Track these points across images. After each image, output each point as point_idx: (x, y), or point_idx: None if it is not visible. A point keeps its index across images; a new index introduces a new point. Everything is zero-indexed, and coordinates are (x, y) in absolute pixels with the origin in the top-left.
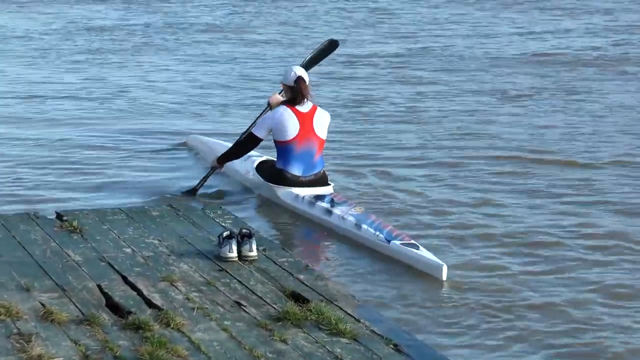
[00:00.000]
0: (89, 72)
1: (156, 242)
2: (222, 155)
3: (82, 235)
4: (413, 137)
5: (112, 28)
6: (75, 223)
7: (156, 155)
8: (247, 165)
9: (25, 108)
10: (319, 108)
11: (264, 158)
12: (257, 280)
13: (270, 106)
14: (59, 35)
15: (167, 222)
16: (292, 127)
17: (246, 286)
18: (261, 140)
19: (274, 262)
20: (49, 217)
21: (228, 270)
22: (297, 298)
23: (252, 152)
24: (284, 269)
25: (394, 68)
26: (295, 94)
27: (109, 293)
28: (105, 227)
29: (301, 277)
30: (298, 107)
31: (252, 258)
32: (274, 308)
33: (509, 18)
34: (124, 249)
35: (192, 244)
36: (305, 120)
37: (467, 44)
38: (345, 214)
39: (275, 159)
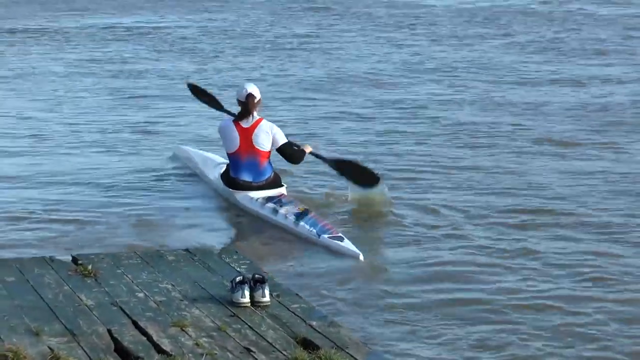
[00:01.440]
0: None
1: (169, 286)
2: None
3: (95, 279)
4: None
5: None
6: (89, 267)
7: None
8: (215, 172)
9: (44, 148)
10: (263, 122)
11: (225, 169)
12: (268, 326)
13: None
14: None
15: (182, 267)
16: (233, 140)
17: (257, 332)
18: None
19: (287, 308)
20: (64, 260)
21: (240, 316)
22: (308, 345)
23: (221, 160)
24: (296, 315)
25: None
26: (243, 109)
27: (119, 338)
28: (120, 271)
29: (313, 323)
30: (242, 123)
31: (264, 304)
32: (284, 355)
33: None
34: (136, 293)
35: (206, 288)
36: (246, 135)
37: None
38: (288, 213)
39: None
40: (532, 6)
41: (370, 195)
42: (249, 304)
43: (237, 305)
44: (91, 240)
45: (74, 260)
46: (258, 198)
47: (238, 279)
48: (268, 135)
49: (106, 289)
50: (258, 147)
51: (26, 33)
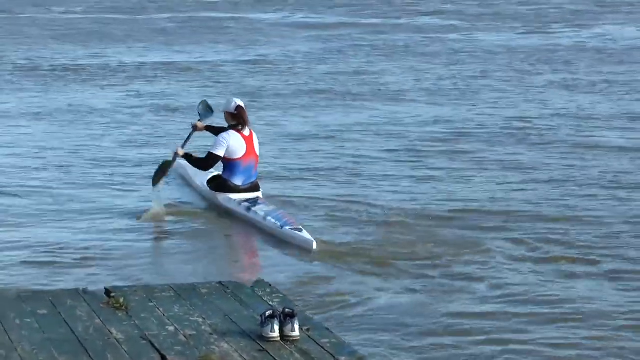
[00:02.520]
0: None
1: (200, 320)
2: (192, 157)
3: (127, 313)
4: None
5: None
6: (121, 300)
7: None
8: (202, 179)
9: (77, 180)
10: (253, 131)
11: (215, 173)
12: None
13: (195, 129)
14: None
15: (214, 300)
16: (240, 147)
17: None
18: (221, 157)
19: (316, 343)
20: (98, 293)
21: (269, 351)
22: None
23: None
24: (325, 350)
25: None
26: (238, 120)
27: None
28: (152, 304)
29: (342, 359)
30: (243, 132)
31: (294, 338)
32: None
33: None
34: (167, 326)
35: (236, 322)
36: (249, 142)
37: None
38: (259, 210)
39: (222, 172)
40: None
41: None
42: (279, 339)
43: (267, 339)
44: (127, 273)
45: (107, 292)
46: (237, 199)
47: (268, 313)
48: (258, 140)
49: (137, 322)
50: (257, 153)
51: (68, 69)
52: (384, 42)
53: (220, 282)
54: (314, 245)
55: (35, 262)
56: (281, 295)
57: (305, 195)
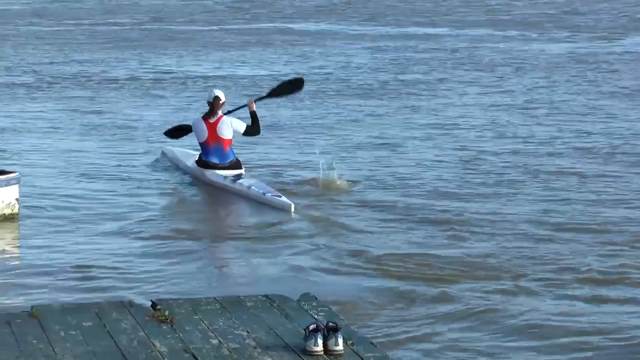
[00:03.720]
0: None
1: (244, 333)
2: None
3: (171, 325)
4: None
5: None
6: (166, 313)
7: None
8: (191, 161)
9: (125, 192)
10: (224, 117)
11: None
12: None
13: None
14: None
15: (260, 313)
16: (203, 132)
17: None
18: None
19: (361, 357)
20: (143, 305)
21: None
22: None
23: (190, 152)
24: None
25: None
26: (210, 109)
27: None
28: (197, 317)
29: None
30: (209, 119)
31: (338, 352)
32: None
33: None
34: (211, 340)
35: (281, 336)
36: (212, 128)
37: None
38: (244, 182)
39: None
40: None
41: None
42: (323, 353)
43: (310, 353)
44: (174, 285)
45: (153, 305)
46: (221, 174)
47: (312, 326)
48: (229, 127)
49: (181, 335)
50: (222, 137)
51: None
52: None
53: (266, 295)
54: (292, 208)
55: (80, 274)
56: (327, 309)
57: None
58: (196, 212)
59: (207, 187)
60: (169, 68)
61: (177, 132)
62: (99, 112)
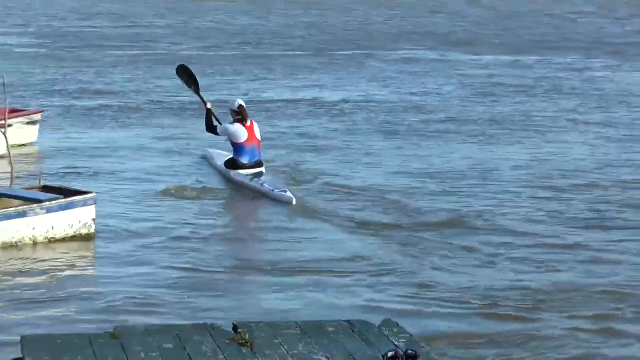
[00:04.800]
0: None
1: (324, 359)
2: (209, 115)
3: (251, 349)
4: None
5: None
6: (247, 336)
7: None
8: (220, 160)
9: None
10: (254, 122)
11: (230, 156)
12: None
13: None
14: None
15: (340, 339)
16: (243, 135)
17: None
18: (218, 135)
19: None
20: (225, 328)
21: None
22: None
23: (224, 153)
24: None
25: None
26: (241, 115)
27: None
28: (277, 341)
29: None
30: (244, 123)
31: None
32: None
33: None
34: None
35: None
36: (250, 130)
37: None
38: (259, 180)
39: (232, 154)
40: None
41: None
42: None
43: None
44: (255, 308)
45: (234, 328)
46: (244, 173)
47: (390, 353)
48: (259, 130)
49: (260, 359)
50: (258, 138)
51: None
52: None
53: (348, 321)
54: (294, 202)
55: (159, 295)
56: (408, 336)
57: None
58: (278, 241)
59: (287, 212)
60: (257, 93)
61: (189, 78)
62: (180, 138)
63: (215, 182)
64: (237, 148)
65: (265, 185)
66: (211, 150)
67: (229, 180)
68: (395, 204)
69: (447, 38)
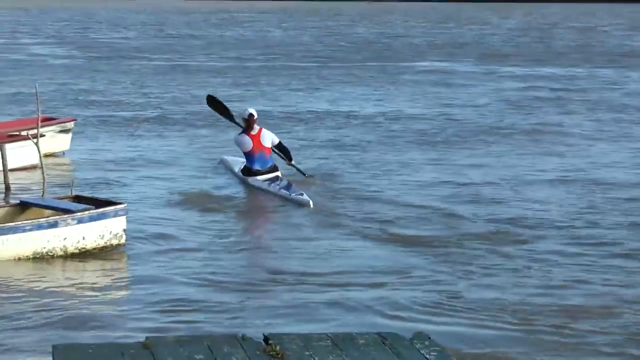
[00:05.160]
0: None
1: None
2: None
3: None
4: None
5: None
6: (278, 348)
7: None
8: (238, 168)
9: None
10: (263, 130)
11: (245, 164)
12: None
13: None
14: None
15: (371, 351)
16: (247, 143)
17: None
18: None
19: None
20: (256, 339)
21: None
22: None
23: (240, 159)
24: None
25: None
26: (247, 124)
27: None
28: (308, 353)
29: None
30: (250, 132)
31: None
32: None
33: None
34: None
35: None
36: (256, 139)
37: None
38: (276, 184)
39: (245, 162)
40: None
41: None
42: None
43: None
44: (286, 319)
45: (265, 339)
46: (260, 179)
47: None
48: (269, 137)
49: None
50: (264, 145)
51: None
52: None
53: (379, 333)
54: (311, 204)
55: (190, 306)
56: (439, 349)
57: None
58: (309, 251)
59: (317, 221)
60: (296, 104)
61: (219, 106)
62: (213, 148)
63: (240, 192)
64: (247, 156)
65: (282, 190)
66: (229, 158)
67: (249, 187)
68: (432, 215)
69: (481, 50)
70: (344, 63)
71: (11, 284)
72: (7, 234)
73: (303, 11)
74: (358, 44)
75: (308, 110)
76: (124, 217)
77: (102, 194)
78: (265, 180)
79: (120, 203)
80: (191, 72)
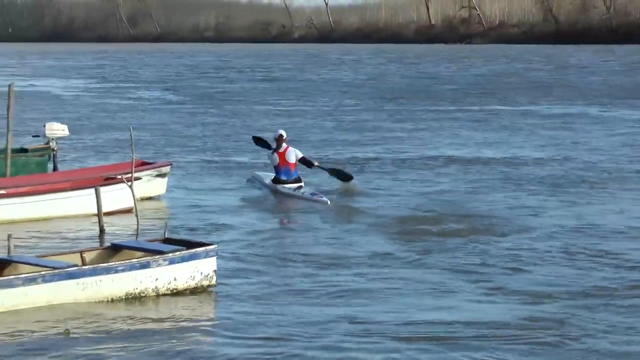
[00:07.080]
0: None
1: None
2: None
3: None
4: None
5: None
6: None
7: None
8: (269, 180)
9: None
10: (289, 148)
11: (274, 176)
12: None
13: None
14: None
15: None
16: (275, 160)
17: None
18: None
19: None
20: None
21: None
22: None
23: (269, 174)
24: None
25: None
26: (277, 143)
27: None
28: None
29: None
30: (278, 150)
31: None
32: None
33: None
34: None
35: None
36: (282, 156)
37: None
38: (301, 190)
39: (275, 174)
40: None
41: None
42: None
43: None
44: None
45: None
46: (288, 186)
47: None
48: (293, 154)
49: None
50: (289, 161)
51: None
52: None
53: None
54: (328, 202)
55: (282, 347)
56: None
57: None
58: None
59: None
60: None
61: (262, 142)
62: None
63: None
64: (275, 169)
65: (305, 193)
66: (259, 174)
67: (279, 194)
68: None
69: (584, 92)
70: (446, 103)
71: (104, 324)
72: (101, 274)
73: (399, 52)
74: (458, 83)
75: (408, 151)
76: (215, 258)
77: (197, 237)
78: (292, 188)
79: (210, 244)
80: (296, 115)
